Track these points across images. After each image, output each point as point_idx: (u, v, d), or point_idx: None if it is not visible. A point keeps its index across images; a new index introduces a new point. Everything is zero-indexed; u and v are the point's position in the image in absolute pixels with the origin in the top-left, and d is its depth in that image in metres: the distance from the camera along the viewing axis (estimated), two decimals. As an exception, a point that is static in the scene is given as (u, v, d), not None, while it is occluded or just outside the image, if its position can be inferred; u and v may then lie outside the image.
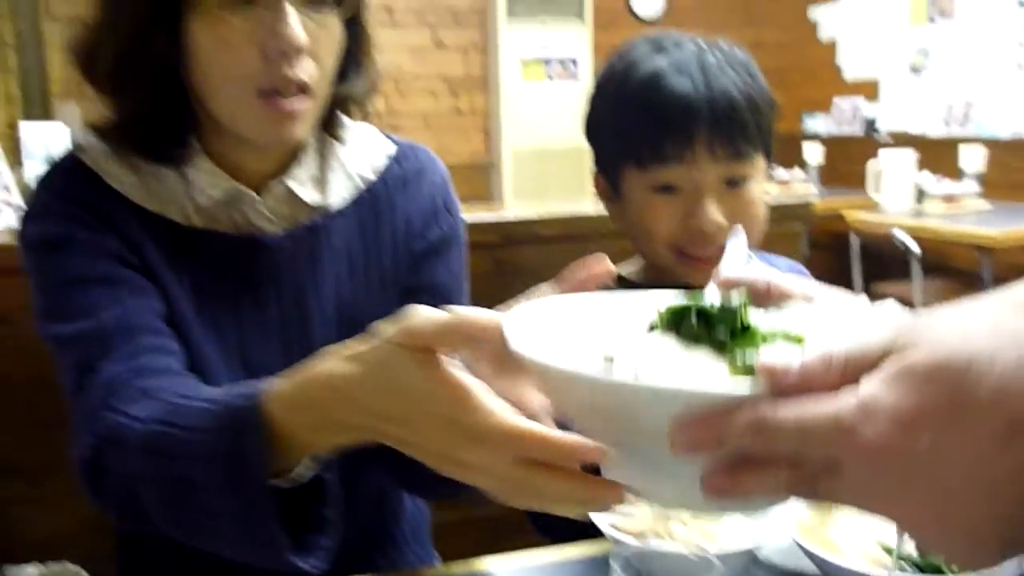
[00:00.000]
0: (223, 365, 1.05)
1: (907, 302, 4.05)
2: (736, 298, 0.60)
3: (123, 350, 0.94)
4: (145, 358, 0.94)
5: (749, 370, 0.54)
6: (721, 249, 1.18)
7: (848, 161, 5.55)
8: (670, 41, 1.21)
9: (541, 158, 5.99)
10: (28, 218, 1.05)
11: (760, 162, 1.19)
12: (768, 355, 0.51)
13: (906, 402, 0.44)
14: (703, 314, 0.59)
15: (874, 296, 4.29)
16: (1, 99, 5.24)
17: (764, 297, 0.66)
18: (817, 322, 0.62)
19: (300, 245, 1.09)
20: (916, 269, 3.94)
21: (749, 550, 0.89)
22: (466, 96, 6.13)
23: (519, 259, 1.72)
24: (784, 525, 0.93)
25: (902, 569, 0.86)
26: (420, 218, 1.16)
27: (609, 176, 1.26)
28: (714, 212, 1.15)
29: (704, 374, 0.55)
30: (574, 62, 6.06)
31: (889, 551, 0.88)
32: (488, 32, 6.13)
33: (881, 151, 4.64)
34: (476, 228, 1.67)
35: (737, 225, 1.03)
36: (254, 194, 1.06)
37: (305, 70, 0.95)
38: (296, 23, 0.92)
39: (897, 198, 4.47)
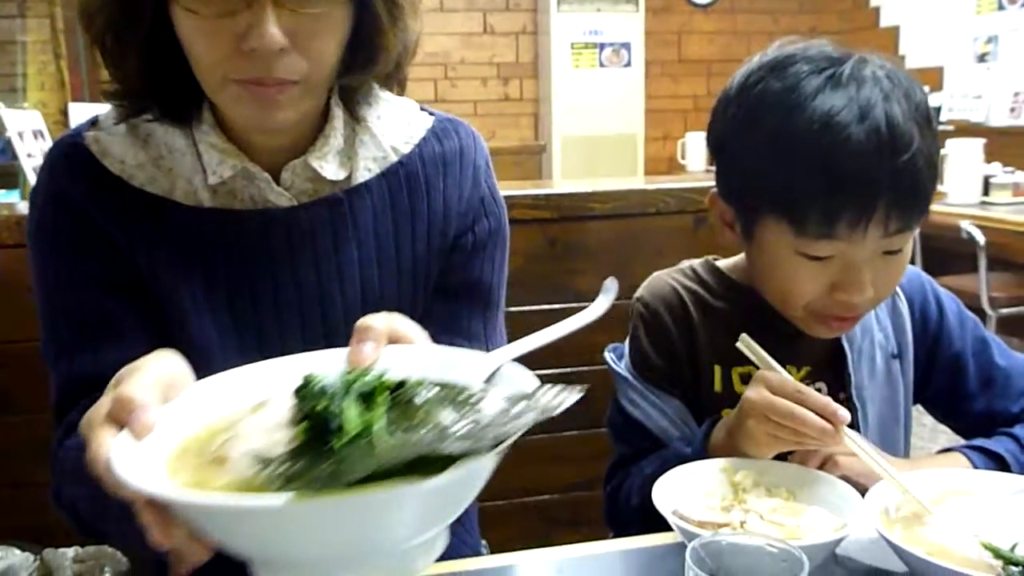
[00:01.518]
0: (236, 345, 1.00)
1: (973, 295, 3.89)
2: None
3: (85, 400, 0.88)
4: None
5: None
6: (860, 315, 1.08)
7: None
8: (849, 67, 0.98)
9: (591, 145, 5.90)
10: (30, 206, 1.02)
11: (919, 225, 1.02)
12: None
13: None
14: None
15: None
16: (54, 84, 5.29)
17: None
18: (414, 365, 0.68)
19: (318, 220, 1.01)
20: (982, 261, 3.78)
21: (830, 542, 0.81)
22: (516, 82, 6.06)
23: (572, 235, 1.64)
24: (868, 518, 0.84)
25: (1007, 573, 0.77)
26: (463, 206, 1.08)
27: (741, 214, 1.08)
28: (868, 287, 1.00)
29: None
30: (627, 47, 5.95)
31: (995, 552, 0.79)
32: (539, 17, 6.05)
33: (948, 141, 4.46)
34: (528, 204, 1.60)
35: (610, 280, 0.89)
36: (263, 171, 0.99)
37: (287, 67, 0.87)
38: (273, 25, 0.84)
39: (964, 189, 4.30)
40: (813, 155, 0.96)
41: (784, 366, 1.10)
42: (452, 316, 1.10)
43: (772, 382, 0.96)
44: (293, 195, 1.01)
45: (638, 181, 1.71)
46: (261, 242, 1.00)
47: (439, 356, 0.75)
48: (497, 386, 0.68)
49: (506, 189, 1.68)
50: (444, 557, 1.14)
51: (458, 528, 1.29)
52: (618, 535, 1.16)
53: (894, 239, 0.99)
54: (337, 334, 1.02)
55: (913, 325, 1.19)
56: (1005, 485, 0.93)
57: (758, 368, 1.15)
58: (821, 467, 0.98)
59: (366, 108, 1.04)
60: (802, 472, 0.96)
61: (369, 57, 0.95)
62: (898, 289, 1.19)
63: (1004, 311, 3.90)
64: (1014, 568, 0.78)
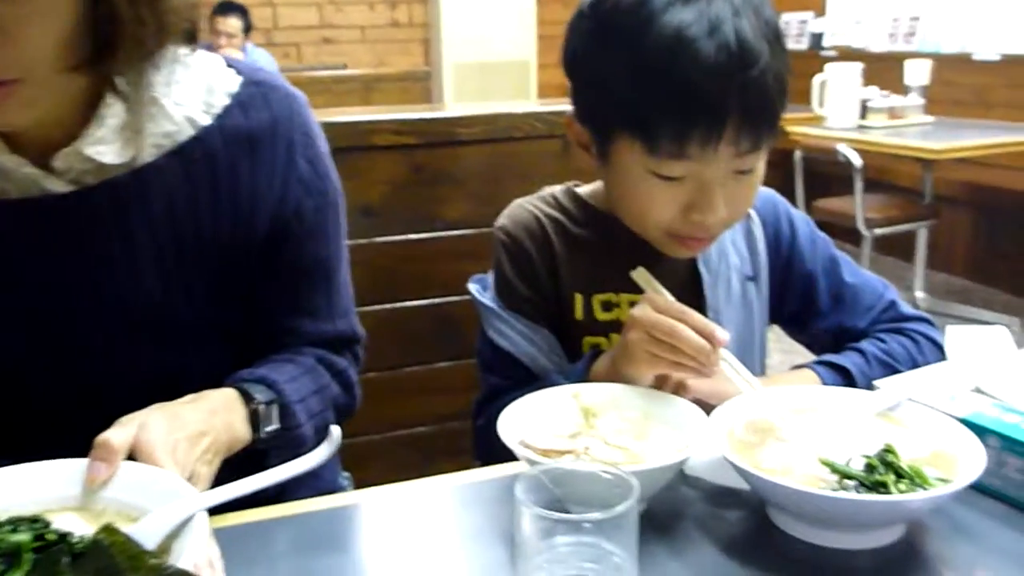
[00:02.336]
0: (26, 337, 0.97)
1: (849, 217, 4.02)
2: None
3: None
4: None
5: None
6: (715, 235, 1.07)
7: (794, 76, 5.43)
8: None
9: (483, 72, 5.79)
10: None
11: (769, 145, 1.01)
12: None
13: None
14: None
15: (816, 212, 4.27)
16: None
17: None
18: None
19: (100, 205, 0.94)
20: (858, 184, 3.89)
21: (669, 466, 0.80)
22: (404, 7, 5.87)
23: (438, 162, 1.59)
24: (714, 440, 0.84)
25: (843, 487, 0.78)
26: (277, 190, 1.01)
27: (596, 135, 1.05)
28: (721, 207, 1.00)
29: None
30: (518, -29, 5.82)
31: (831, 467, 0.80)
32: (426, -62, 5.85)
33: (827, 66, 4.54)
34: (391, 129, 1.54)
35: (335, 429, 0.85)
36: (24, 162, 0.90)
37: None
38: None
39: (842, 113, 4.40)
40: (663, 71, 0.93)
41: (644, 293, 1.09)
42: (289, 294, 1.07)
43: (658, 302, 0.96)
44: (73, 180, 0.93)
45: (508, 105, 1.65)
46: (37, 231, 0.93)
47: (160, 483, 0.75)
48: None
49: (367, 114, 1.62)
50: (299, 496, 1.13)
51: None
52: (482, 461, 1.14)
53: (746, 159, 0.98)
54: (142, 324, 0.99)
55: (767, 247, 1.19)
56: (847, 400, 0.94)
57: (618, 294, 1.14)
58: (674, 392, 0.98)
59: (153, 74, 0.92)
60: (653, 395, 0.96)
61: (109, 41, 0.84)
62: (752, 212, 1.18)
63: (879, 231, 4.04)
64: (848, 481, 0.79)
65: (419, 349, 1.65)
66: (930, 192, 4.32)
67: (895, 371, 1.11)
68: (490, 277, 1.20)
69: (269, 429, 0.99)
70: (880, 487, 0.77)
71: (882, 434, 0.87)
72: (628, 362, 0.97)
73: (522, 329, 1.15)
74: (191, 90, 0.97)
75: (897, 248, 5.10)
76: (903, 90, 4.53)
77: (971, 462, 0.79)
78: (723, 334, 0.92)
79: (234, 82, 1.00)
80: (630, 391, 0.96)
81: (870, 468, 0.79)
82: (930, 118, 4.44)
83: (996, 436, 0.88)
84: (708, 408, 0.93)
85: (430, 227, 1.60)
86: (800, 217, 1.23)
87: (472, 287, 1.22)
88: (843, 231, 4.38)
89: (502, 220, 1.20)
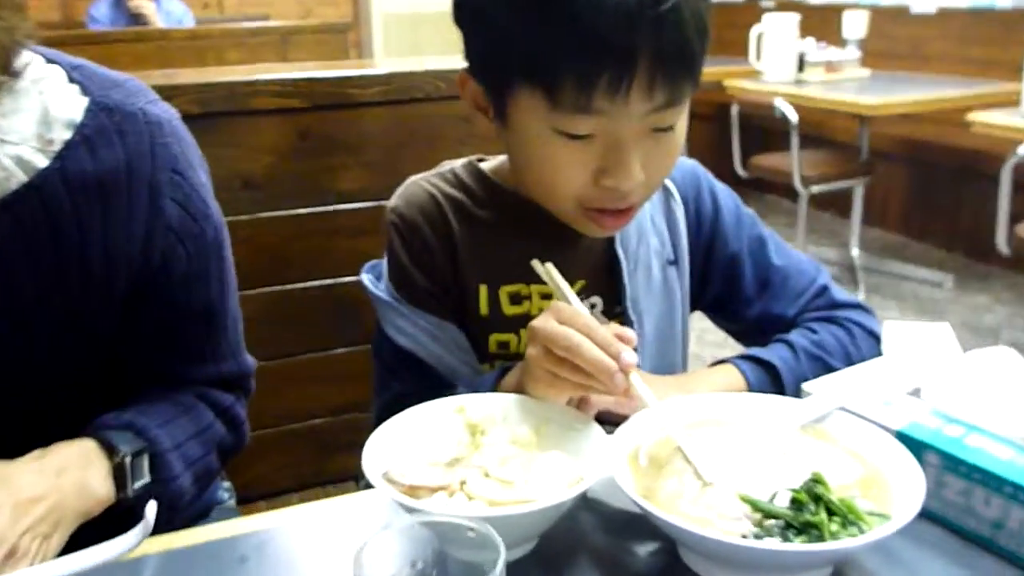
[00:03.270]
0: None
1: (786, 174, 3.93)
2: None
3: None
4: None
5: None
6: (631, 205, 0.91)
7: (731, 28, 5.32)
8: None
9: (415, 23, 5.55)
10: None
11: (688, 99, 0.88)
12: None
13: None
14: None
15: (753, 168, 4.18)
16: None
17: None
18: None
19: None
20: (795, 140, 3.80)
21: (561, 504, 0.68)
22: (329, -47, 5.57)
23: (328, 127, 1.42)
24: (614, 467, 0.72)
25: (765, 530, 0.66)
26: (138, 243, 0.86)
27: (492, 91, 0.91)
28: (636, 170, 0.86)
29: None
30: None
31: (755, 506, 0.68)
32: None
33: (764, 16, 4.42)
34: (272, 91, 1.37)
35: (150, 507, 0.71)
36: None
37: None
38: None
39: (779, 66, 4.29)
40: (562, 8, 0.79)
41: None
42: (165, 342, 0.95)
43: (563, 312, 0.81)
44: None
45: (406, 62, 1.48)
46: None
47: None
48: None
49: (245, 74, 1.44)
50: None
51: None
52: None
53: (663, 113, 0.85)
54: None
55: (688, 226, 1.06)
56: (769, 412, 0.82)
57: (528, 285, 1.00)
58: (578, 407, 0.85)
59: None
60: (549, 408, 0.82)
61: None
62: (672, 187, 1.05)
63: (815, 188, 3.97)
64: (772, 522, 0.67)
65: (313, 335, 1.50)
66: (866, 148, 4.26)
67: (826, 366, 0.99)
68: (383, 264, 1.05)
69: (138, 485, 0.86)
70: (809, 528, 0.65)
71: (809, 454, 0.76)
72: (529, 381, 0.84)
73: (425, 326, 1.00)
74: (22, 123, 0.79)
75: (833, 204, 5.06)
76: (840, 42, 4.44)
77: (909, 491, 0.68)
78: (630, 357, 0.77)
79: (78, 107, 0.82)
80: (523, 403, 0.83)
81: (797, 504, 0.67)
82: (866, 72, 4.36)
83: (935, 453, 0.77)
84: (619, 419, 0.80)
85: (321, 200, 1.44)
86: (724, 191, 1.10)
87: (365, 277, 1.06)
88: (780, 188, 4.32)
89: (395, 201, 1.04)
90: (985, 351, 0.83)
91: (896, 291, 4.13)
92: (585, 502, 0.79)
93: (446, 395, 0.86)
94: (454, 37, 0.93)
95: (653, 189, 0.95)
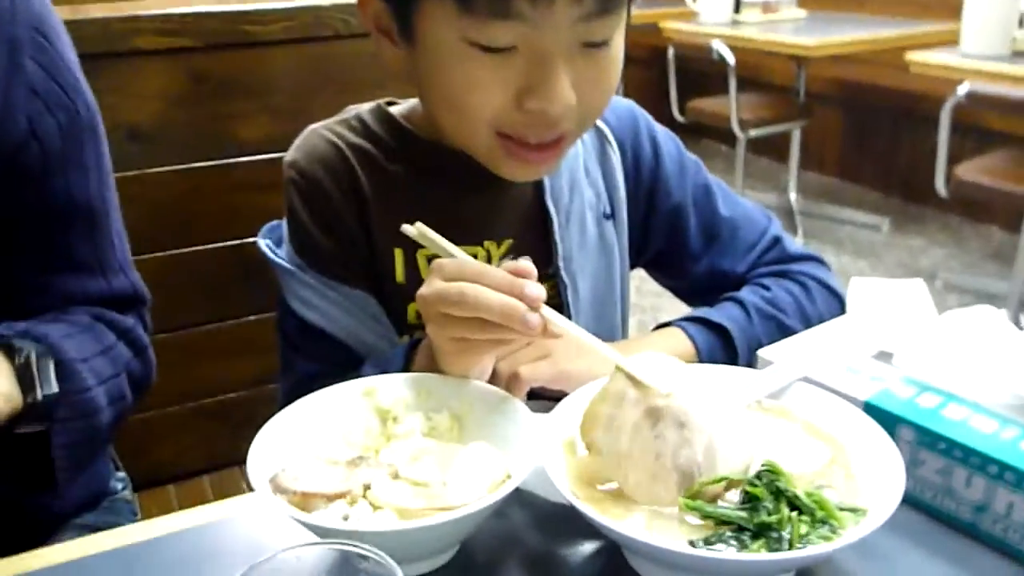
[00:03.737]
0: None
1: (724, 117, 3.85)
2: None
3: None
4: None
5: None
6: (561, 137, 0.78)
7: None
8: None
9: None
10: None
11: (624, 10, 0.76)
12: None
13: None
14: None
15: (690, 112, 4.09)
16: None
17: None
18: None
19: None
20: (732, 83, 3.72)
21: (480, 511, 0.57)
22: None
23: (226, 69, 1.26)
24: (546, 458, 0.61)
25: (719, 537, 0.56)
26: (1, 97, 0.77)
27: (395, 4, 0.79)
28: (566, 90, 0.74)
29: None
30: None
31: (704, 512, 0.58)
32: None
33: (701, -44, 4.31)
34: (157, 29, 1.21)
35: None
36: None
37: None
38: None
39: (715, 7, 4.19)
40: None
41: (482, 242, 0.83)
42: (41, 244, 0.85)
43: (447, 269, 0.69)
44: None
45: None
46: None
47: None
48: None
49: (129, 9, 1.27)
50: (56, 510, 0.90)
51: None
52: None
53: (594, 24, 0.72)
54: None
55: (626, 175, 0.95)
56: (720, 384, 0.72)
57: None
58: (507, 387, 0.74)
59: None
60: (472, 388, 0.71)
61: None
62: (607, 131, 0.94)
63: (753, 132, 3.91)
64: (725, 527, 0.57)
65: (220, 302, 1.35)
66: (803, 90, 4.20)
67: (781, 326, 0.90)
68: (283, 227, 0.92)
69: (48, 392, 0.75)
70: (767, 531, 0.55)
71: (766, 435, 0.66)
72: (439, 357, 0.72)
73: (332, 296, 0.88)
74: None
75: (770, 148, 5.02)
76: (777, -18, 4.35)
77: (885, 476, 0.59)
78: (536, 289, 0.65)
79: None
80: (442, 384, 0.72)
81: (752, 502, 0.57)
82: (803, 12, 4.29)
83: (909, 427, 0.68)
84: (553, 397, 0.70)
85: (221, 152, 1.28)
86: (664, 134, 0.99)
87: (262, 243, 0.93)
88: (717, 132, 4.25)
89: (292, 154, 0.91)
90: (964, 310, 0.74)
91: (834, 235, 4.12)
92: (516, 496, 0.69)
93: (357, 374, 0.74)
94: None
95: (587, 121, 0.82)
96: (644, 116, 0.98)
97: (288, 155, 0.91)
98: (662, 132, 0.98)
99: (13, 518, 0.87)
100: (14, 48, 0.78)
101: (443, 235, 0.83)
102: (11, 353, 0.74)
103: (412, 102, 0.93)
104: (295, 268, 0.88)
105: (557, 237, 0.91)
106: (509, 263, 0.67)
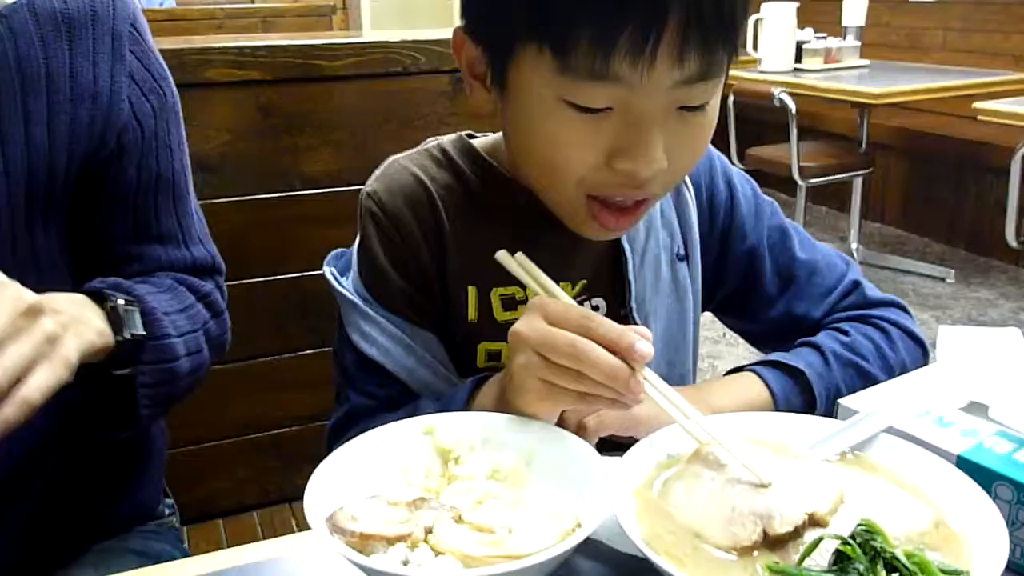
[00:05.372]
0: None
1: (784, 165, 3.80)
2: None
3: None
4: None
5: None
6: (646, 199, 0.76)
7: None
8: None
9: (406, 7, 5.39)
10: None
11: (725, 73, 0.74)
12: None
13: None
14: None
15: (749, 160, 4.06)
16: None
17: None
18: None
19: None
20: (794, 130, 3.67)
21: (551, 560, 0.53)
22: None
23: (293, 103, 1.27)
24: (617, 504, 0.58)
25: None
26: (103, 85, 0.86)
27: (491, 52, 0.77)
28: (659, 153, 0.71)
29: None
30: None
31: (779, 571, 0.54)
32: None
33: (763, 6, 4.29)
34: (228, 61, 1.22)
35: None
36: None
37: None
38: None
39: (777, 56, 4.16)
40: None
41: (557, 282, 0.81)
42: (133, 216, 0.93)
43: (551, 310, 0.67)
44: None
45: (383, 33, 1.33)
46: None
47: None
48: None
49: (202, 42, 1.29)
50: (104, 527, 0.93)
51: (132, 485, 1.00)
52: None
53: (694, 88, 0.70)
54: None
55: (700, 216, 0.92)
56: (800, 435, 0.68)
57: (526, 288, 0.85)
58: (577, 432, 0.71)
59: None
60: (538, 428, 0.68)
61: None
62: None
63: (813, 181, 3.85)
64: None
65: (276, 335, 1.35)
66: (866, 139, 4.13)
67: (862, 373, 0.86)
68: (353, 257, 0.90)
69: (135, 331, 0.83)
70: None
71: (851, 493, 0.62)
72: (517, 395, 0.69)
73: (395, 333, 0.85)
74: None
75: (830, 197, 4.94)
76: (838, 32, 4.32)
77: (985, 536, 0.55)
78: (645, 347, 0.64)
79: None
80: (507, 423, 0.69)
81: (843, 561, 0.53)
82: (866, 62, 4.24)
83: (1007, 484, 0.63)
84: (626, 443, 0.67)
85: (286, 185, 1.28)
86: (740, 176, 0.96)
87: (328, 271, 0.91)
88: (777, 180, 4.19)
89: (373, 184, 0.88)
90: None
91: (898, 287, 4.01)
92: (583, 545, 0.65)
93: (406, 410, 0.72)
94: (443, 6, 0.79)
95: (673, 183, 0.81)
96: (720, 157, 0.95)
97: (368, 185, 0.89)
98: (737, 174, 0.95)
99: (78, 517, 0.95)
100: (116, 40, 0.88)
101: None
102: (103, 300, 0.81)
103: (493, 136, 0.91)
104: (360, 301, 0.86)
105: (631, 278, 0.88)
106: (613, 325, 0.65)
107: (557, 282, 0.82)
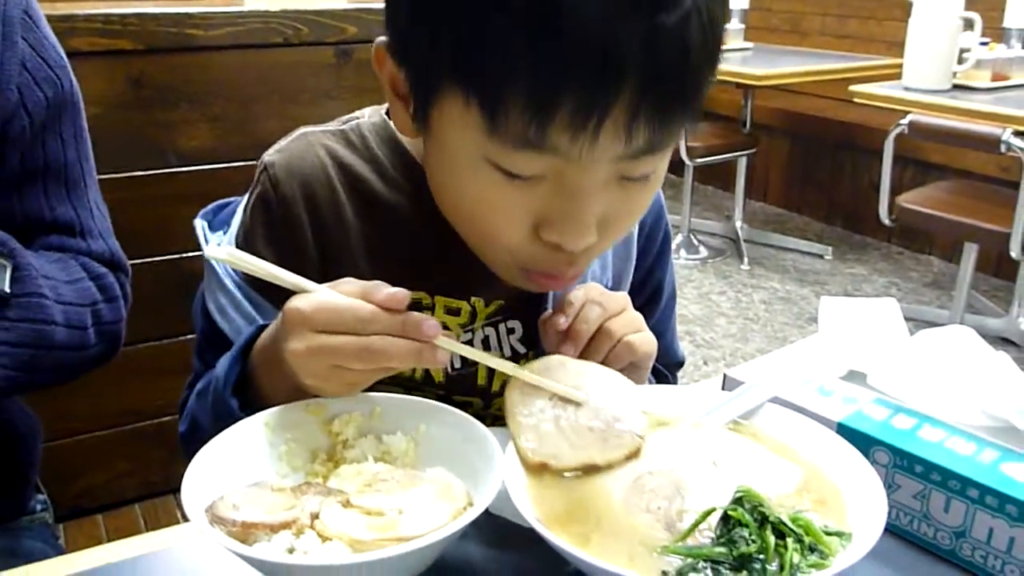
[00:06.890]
0: None
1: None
2: None
3: None
4: None
5: None
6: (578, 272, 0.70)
7: None
8: None
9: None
10: None
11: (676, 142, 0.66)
12: None
13: None
14: None
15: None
16: None
17: None
18: None
19: None
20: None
21: (442, 540, 0.52)
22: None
23: (166, 74, 1.21)
24: (510, 478, 0.57)
25: (688, 569, 0.52)
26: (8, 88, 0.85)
27: (415, 84, 0.67)
28: (590, 228, 0.64)
29: None
30: None
31: (675, 551, 0.54)
32: None
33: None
34: (96, 29, 1.14)
35: None
36: None
37: None
38: None
39: (664, 36, 4.23)
40: (531, 24, 0.55)
41: (468, 297, 0.77)
42: (27, 206, 0.92)
43: (317, 320, 0.61)
44: None
45: (269, 1, 1.27)
46: None
47: None
48: None
49: (65, 8, 1.21)
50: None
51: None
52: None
53: (639, 161, 0.62)
54: None
55: (639, 252, 0.90)
56: (692, 406, 0.69)
57: (432, 296, 0.80)
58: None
59: None
60: (429, 405, 0.67)
61: None
62: None
63: (700, 160, 3.94)
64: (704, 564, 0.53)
65: (156, 319, 1.28)
66: (750, 120, 4.25)
67: None
68: (234, 225, 0.81)
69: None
70: (749, 564, 0.51)
71: (735, 459, 0.63)
72: (307, 378, 0.63)
73: (251, 313, 0.78)
74: None
75: (716, 177, 5.08)
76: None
77: (864, 498, 0.56)
78: (433, 325, 0.60)
79: None
80: (398, 402, 0.67)
81: (730, 532, 0.53)
82: (749, 44, 4.36)
83: (885, 449, 0.65)
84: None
85: (160, 161, 1.22)
86: (667, 220, 0.96)
87: (199, 225, 0.84)
88: (665, 160, 4.28)
89: (274, 155, 0.80)
90: (937, 330, 0.72)
91: (779, 263, 4.16)
92: (482, 520, 0.64)
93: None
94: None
95: (605, 249, 0.75)
96: (661, 197, 0.89)
97: (269, 153, 0.80)
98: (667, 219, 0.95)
99: None
100: (7, 26, 0.85)
101: (429, 282, 0.77)
102: None
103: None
104: (221, 271, 0.79)
105: (549, 306, 0.82)
106: (387, 292, 0.61)
107: (468, 297, 0.78)
